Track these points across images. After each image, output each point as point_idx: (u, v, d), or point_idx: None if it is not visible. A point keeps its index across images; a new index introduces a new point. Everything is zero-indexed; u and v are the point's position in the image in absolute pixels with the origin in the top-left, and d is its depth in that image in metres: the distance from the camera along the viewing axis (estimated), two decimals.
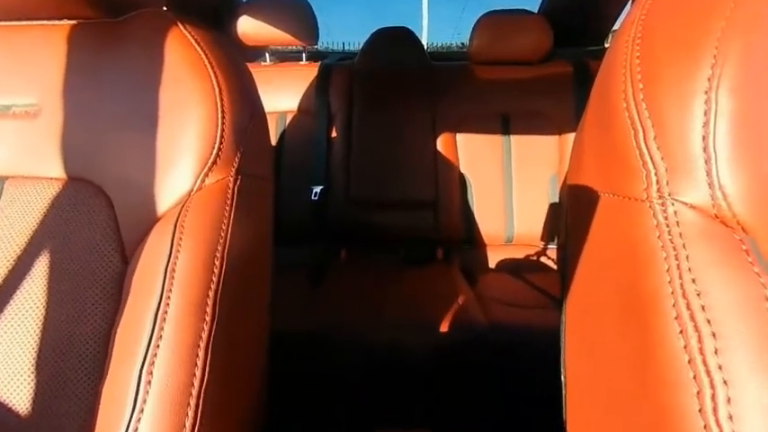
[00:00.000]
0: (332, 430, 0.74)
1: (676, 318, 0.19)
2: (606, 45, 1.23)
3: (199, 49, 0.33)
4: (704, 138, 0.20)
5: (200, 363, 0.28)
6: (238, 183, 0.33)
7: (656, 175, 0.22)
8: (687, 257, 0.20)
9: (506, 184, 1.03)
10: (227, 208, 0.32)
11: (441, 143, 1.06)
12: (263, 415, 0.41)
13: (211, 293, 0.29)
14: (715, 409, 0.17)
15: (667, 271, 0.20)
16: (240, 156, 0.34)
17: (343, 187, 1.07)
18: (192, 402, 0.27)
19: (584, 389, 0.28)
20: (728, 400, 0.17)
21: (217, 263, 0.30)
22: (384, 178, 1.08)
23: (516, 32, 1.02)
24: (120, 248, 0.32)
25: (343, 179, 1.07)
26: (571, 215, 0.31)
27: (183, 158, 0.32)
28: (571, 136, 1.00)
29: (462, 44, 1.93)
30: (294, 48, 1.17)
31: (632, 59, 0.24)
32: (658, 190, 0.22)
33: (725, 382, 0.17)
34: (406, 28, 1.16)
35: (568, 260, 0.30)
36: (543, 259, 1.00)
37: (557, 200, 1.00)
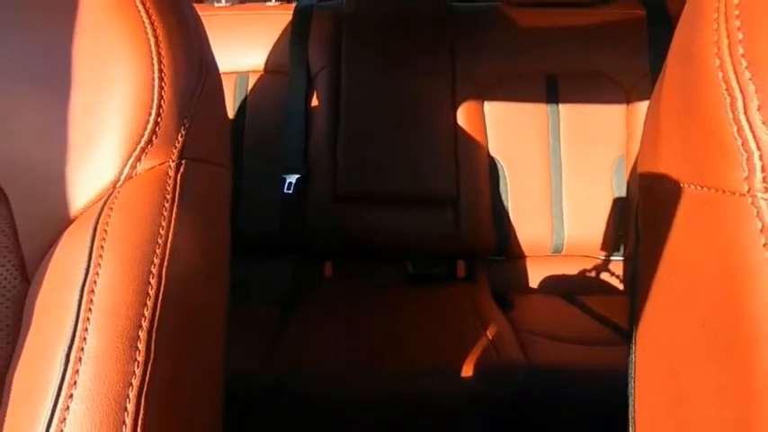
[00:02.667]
0: None
1: None
2: None
3: None
4: None
5: (128, 420, 0.28)
6: (182, 170, 0.33)
7: (760, 159, 0.22)
8: None
9: (554, 173, 1.03)
10: (167, 205, 0.32)
11: (463, 116, 1.06)
12: None
13: (145, 323, 0.29)
14: None
15: None
16: (185, 133, 0.34)
17: (327, 177, 1.06)
18: None
19: (662, 424, 0.28)
20: None
21: (153, 281, 0.30)
22: (384, 165, 1.07)
23: None
24: (18, 263, 0.32)
25: (327, 165, 1.06)
26: (645, 214, 0.31)
27: (105, 136, 0.32)
28: (644, 105, 1.00)
29: None
30: None
31: (730, 8, 0.24)
32: (764, 180, 0.22)
33: None
34: None
35: (641, 276, 0.30)
36: (605, 276, 1.00)
37: (623, 194, 1.00)
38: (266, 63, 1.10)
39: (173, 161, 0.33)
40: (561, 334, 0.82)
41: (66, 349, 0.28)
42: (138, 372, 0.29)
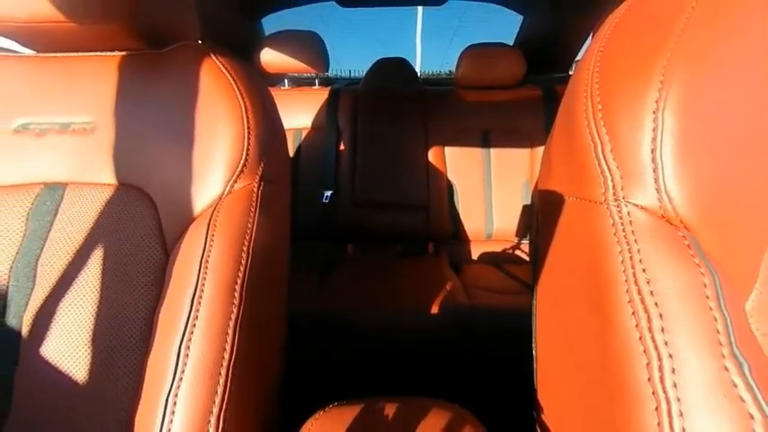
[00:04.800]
0: (335, 396, 0.74)
1: (629, 302, 0.19)
2: (570, 73, 1.23)
3: (228, 76, 0.33)
4: (653, 150, 0.20)
5: (229, 339, 0.28)
6: (261, 188, 0.33)
7: (611, 181, 0.22)
8: (638, 251, 0.20)
9: (486, 189, 1.03)
10: (252, 209, 0.32)
11: (432, 155, 1.06)
12: (282, 383, 0.41)
13: (239, 281, 0.29)
14: (662, 379, 0.17)
15: (622, 262, 0.20)
16: (263, 165, 0.34)
17: (349, 192, 1.07)
18: (223, 372, 0.27)
19: (553, 362, 0.28)
20: (673, 371, 0.17)
21: (243, 256, 0.30)
22: (384, 184, 1.07)
23: (495, 62, 1.02)
24: (162, 243, 0.32)
25: (349, 185, 1.07)
26: (541, 215, 0.31)
27: (216, 168, 0.32)
28: (541, 148, 1.00)
29: (450, 72, 1.93)
30: (308, 75, 1.17)
31: (593, 85, 0.24)
32: (614, 194, 0.22)
33: (670, 355, 0.17)
34: (403, 58, 1.16)
35: (539, 253, 0.30)
36: (518, 252, 1.00)
37: (529, 202, 1.00)
38: (312, 123, 1.10)
39: (256, 183, 0.33)
40: (492, 287, 0.82)
41: (191, 297, 0.28)
42: (234, 310, 0.29)
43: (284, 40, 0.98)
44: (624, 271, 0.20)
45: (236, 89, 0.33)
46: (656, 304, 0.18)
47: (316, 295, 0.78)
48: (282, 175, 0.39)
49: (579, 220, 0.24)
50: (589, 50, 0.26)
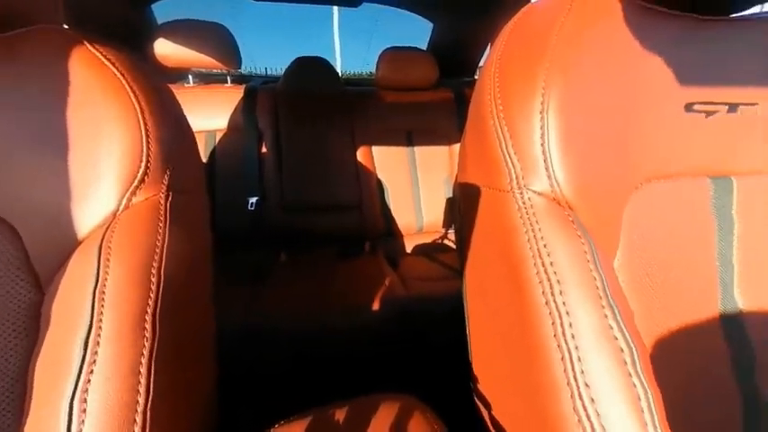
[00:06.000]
0: (280, 413, 0.70)
1: (536, 273, 0.23)
2: (476, 77, 1.38)
3: (113, 68, 0.28)
4: (542, 145, 0.24)
5: (143, 380, 0.24)
6: (170, 199, 0.29)
7: (514, 172, 0.25)
8: (539, 229, 0.23)
9: (414, 186, 1.09)
10: (161, 224, 0.28)
11: (360, 155, 1.07)
12: (216, 412, 0.37)
13: (149, 310, 0.25)
14: (563, 333, 0.21)
15: (528, 241, 0.24)
16: (170, 173, 0.29)
17: (277, 197, 1.01)
18: (139, 419, 0.23)
19: (483, 335, 0.31)
20: (570, 325, 0.21)
21: (153, 279, 0.26)
22: (314, 186, 1.04)
23: (411, 65, 1.08)
24: (32, 279, 0.25)
25: (276, 189, 1.01)
26: (462, 206, 0.34)
27: (104, 180, 0.26)
28: (457, 146, 1.10)
29: (371, 73, 1.97)
30: (219, 71, 1.06)
31: (494, 89, 0.27)
32: (517, 183, 0.25)
33: (567, 313, 0.21)
34: (322, 57, 1.14)
35: (463, 240, 0.33)
36: (446, 241, 1.08)
37: (451, 195, 1.09)
38: (228, 125, 1.00)
39: (162, 193, 0.28)
40: (426, 276, 0.87)
41: (84, 337, 0.23)
42: (147, 344, 0.24)
43: (184, 30, 0.87)
44: (530, 248, 0.23)
45: (125, 84, 0.28)
46: (555, 273, 0.22)
47: (248, 308, 0.72)
48: (195, 183, 0.34)
49: (492, 208, 0.27)
50: (489, 58, 0.30)
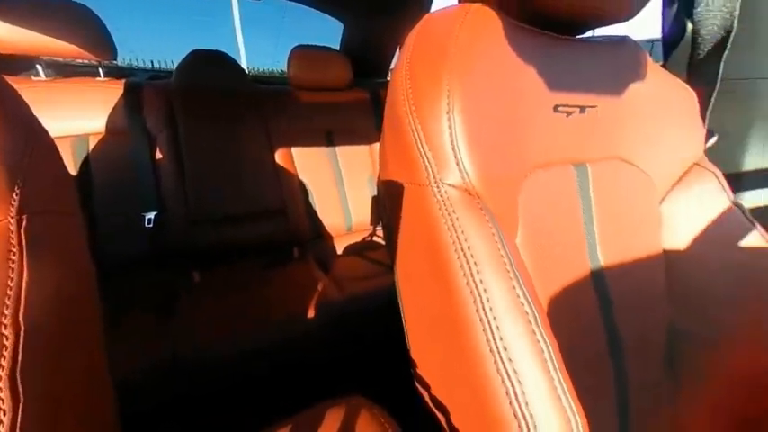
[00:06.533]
0: None
1: (457, 258, 0.25)
2: (388, 79, 1.44)
3: None
4: (452, 142, 0.27)
5: None
6: (24, 224, 0.22)
7: (431, 168, 0.27)
8: (457, 218, 0.26)
9: (339, 186, 1.08)
10: (13, 256, 0.21)
11: (279, 157, 1.01)
12: None
13: (5, 371, 0.19)
14: (483, 307, 0.24)
15: (448, 230, 0.26)
16: (20, 192, 0.23)
17: (180, 209, 0.88)
18: None
19: (416, 322, 0.33)
20: (488, 300, 0.24)
21: (7, 330, 0.20)
22: (229, 194, 0.94)
23: (325, 65, 1.07)
24: None
25: (178, 201, 0.88)
26: (387, 202, 0.35)
27: None
28: (376, 146, 1.13)
29: (282, 71, 1.87)
30: (86, 62, 0.86)
31: (407, 92, 0.29)
32: (434, 178, 0.27)
33: (485, 290, 0.24)
34: (222, 51, 1.03)
35: (391, 235, 0.35)
36: (376, 239, 1.11)
37: (376, 194, 1.12)
38: (106, 127, 0.82)
39: (12, 217, 0.22)
40: (359, 275, 0.88)
41: None
42: (9, 413, 0.19)
43: (23, 8, 0.68)
44: (450, 236, 0.26)
45: None
46: (472, 255, 0.25)
47: (155, 343, 0.61)
48: (62, 200, 0.27)
49: (414, 202, 0.29)
50: (399, 62, 0.31)
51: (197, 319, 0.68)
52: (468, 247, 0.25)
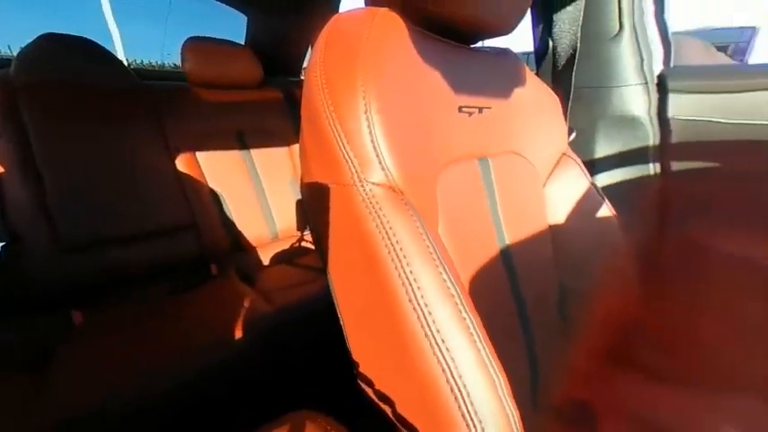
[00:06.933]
0: None
1: (388, 254, 0.26)
2: (302, 78, 1.39)
3: None
4: (372, 141, 0.28)
5: None
6: None
7: (354, 168, 0.28)
8: (384, 215, 0.27)
9: (259, 192, 1.01)
10: None
11: (182, 163, 0.88)
12: None
13: None
14: (415, 296, 0.25)
15: (376, 227, 0.27)
16: None
17: (43, 236, 0.69)
18: None
19: (354, 321, 0.33)
20: (419, 288, 0.25)
21: None
22: (119, 211, 0.78)
23: (231, 60, 0.98)
24: None
25: (38, 225, 0.69)
26: (312, 205, 0.34)
27: None
28: (295, 147, 1.09)
29: (175, 65, 1.64)
30: None
31: (324, 92, 0.29)
32: (358, 177, 0.28)
33: (415, 279, 0.26)
34: (83, 37, 0.83)
35: (320, 238, 0.34)
36: (305, 244, 1.06)
37: (299, 197, 1.06)
38: None
39: None
40: (290, 284, 0.82)
41: None
42: None
43: None
44: (379, 233, 0.27)
45: None
46: (401, 249, 0.26)
47: (28, 409, 0.47)
48: None
49: (341, 202, 0.29)
50: (312, 61, 0.31)
51: (82, 369, 0.55)
52: (397, 242, 0.26)
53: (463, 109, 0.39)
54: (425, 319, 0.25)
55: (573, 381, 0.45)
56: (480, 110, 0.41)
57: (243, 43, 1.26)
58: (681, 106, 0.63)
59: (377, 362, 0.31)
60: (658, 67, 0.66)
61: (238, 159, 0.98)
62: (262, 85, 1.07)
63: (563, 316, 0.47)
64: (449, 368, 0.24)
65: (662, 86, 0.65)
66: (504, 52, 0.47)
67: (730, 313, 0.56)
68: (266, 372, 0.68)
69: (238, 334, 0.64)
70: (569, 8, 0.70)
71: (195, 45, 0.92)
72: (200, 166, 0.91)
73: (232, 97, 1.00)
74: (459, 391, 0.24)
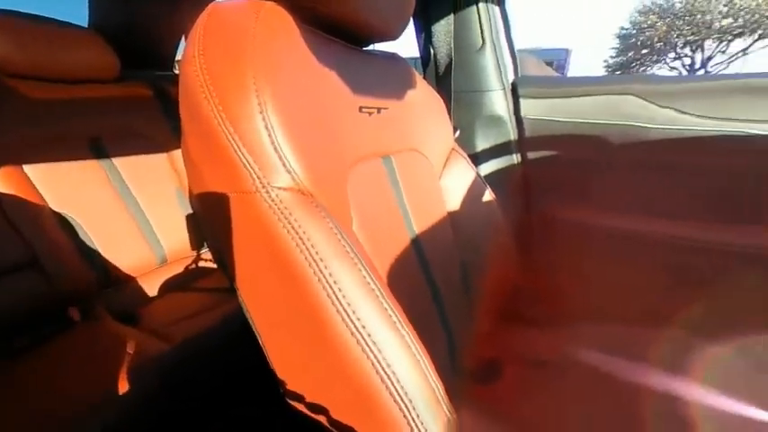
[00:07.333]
0: None
1: (304, 258, 0.25)
2: (176, 72, 1.19)
3: None
4: (272, 143, 0.26)
5: None
6: None
7: (254, 173, 0.25)
8: (295, 220, 0.26)
9: (133, 208, 0.81)
10: None
11: (5, 181, 0.64)
12: None
13: None
14: (333, 291, 0.25)
15: (288, 233, 0.25)
16: None
17: None
18: None
19: (273, 333, 0.31)
20: (335, 282, 0.25)
21: None
22: None
23: (72, 46, 0.75)
24: None
25: None
26: (209, 218, 0.30)
27: None
28: (177, 152, 0.92)
29: None
30: None
31: (208, 89, 0.25)
32: (261, 183, 0.26)
33: (335, 281, 0.25)
34: None
35: (223, 253, 0.30)
36: (203, 264, 0.92)
37: (190, 211, 0.91)
38: None
39: None
40: (189, 313, 0.71)
41: None
42: None
43: None
44: (292, 239, 0.25)
45: None
46: (317, 253, 0.25)
47: None
48: None
49: (244, 212, 0.27)
50: (188, 54, 0.27)
51: None
52: (312, 246, 0.25)
53: (363, 109, 0.40)
54: (350, 317, 0.25)
55: (480, 342, 0.53)
56: (379, 110, 0.43)
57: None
58: (530, 108, 0.79)
59: (305, 373, 0.29)
60: (511, 76, 0.82)
61: (95, 171, 0.77)
62: (122, 80, 0.86)
63: (466, 289, 0.54)
64: (377, 360, 0.25)
65: (514, 92, 0.81)
66: (394, 56, 0.50)
67: (584, 267, 0.75)
68: (178, 411, 0.57)
69: (123, 387, 0.51)
70: (442, 22, 0.80)
71: (24, 27, 0.68)
72: (32, 185, 0.68)
73: (77, 93, 0.78)
74: (389, 378, 0.25)
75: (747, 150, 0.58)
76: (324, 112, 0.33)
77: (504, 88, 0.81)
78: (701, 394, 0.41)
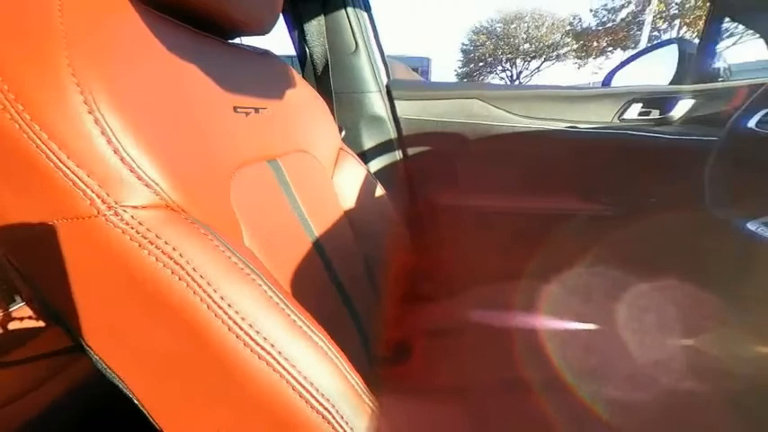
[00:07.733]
0: None
1: (186, 285, 0.21)
2: None
3: None
4: (116, 151, 0.20)
5: None
6: None
7: (91, 191, 0.20)
8: (166, 243, 0.21)
9: None
10: None
11: None
12: None
13: None
14: (233, 319, 0.22)
15: (155, 257, 0.21)
16: None
17: None
18: None
19: (153, 387, 0.25)
20: (238, 312, 0.22)
21: None
22: None
23: None
24: None
25: None
26: (21, 257, 0.22)
27: None
28: None
29: None
30: None
31: (6, 96, 0.18)
32: (104, 202, 0.20)
33: (229, 304, 0.22)
34: None
35: (55, 303, 0.22)
36: (17, 323, 0.65)
37: None
38: None
39: None
40: (9, 394, 0.49)
41: None
42: None
43: None
44: (163, 263, 0.21)
45: None
46: (202, 276, 0.22)
47: None
48: None
49: (81, 242, 0.20)
50: None
51: None
52: (194, 269, 0.21)
53: (238, 109, 0.36)
54: (254, 340, 0.22)
55: (389, 327, 0.56)
56: (257, 110, 0.39)
57: None
58: (405, 109, 0.88)
59: (210, 418, 0.25)
60: (384, 80, 0.89)
61: None
62: None
63: (371, 281, 0.57)
64: (293, 378, 0.23)
65: (389, 94, 0.88)
66: (267, 53, 0.47)
67: (462, 243, 0.89)
68: None
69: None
70: (314, 22, 0.80)
71: None
72: None
73: None
74: (310, 392, 0.23)
75: (549, 140, 0.81)
76: (187, 111, 0.28)
77: (381, 90, 0.87)
78: (545, 322, 0.55)
